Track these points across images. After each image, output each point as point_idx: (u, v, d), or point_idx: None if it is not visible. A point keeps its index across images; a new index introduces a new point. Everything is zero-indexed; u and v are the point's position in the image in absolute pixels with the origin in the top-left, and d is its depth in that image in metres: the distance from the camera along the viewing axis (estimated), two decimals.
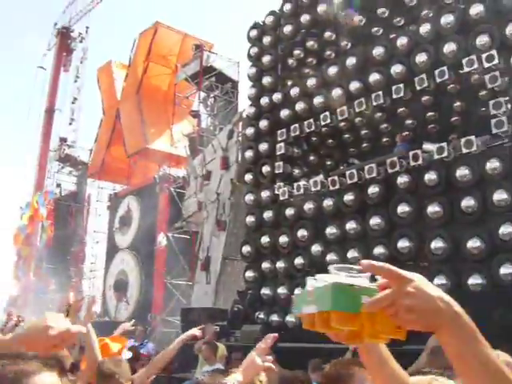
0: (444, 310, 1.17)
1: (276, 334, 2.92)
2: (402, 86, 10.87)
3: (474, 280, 9.22)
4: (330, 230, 11.46)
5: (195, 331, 5.31)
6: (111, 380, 3.93)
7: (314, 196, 12.09)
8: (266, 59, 14.23)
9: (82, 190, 35.77)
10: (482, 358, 1.15)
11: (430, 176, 10.06)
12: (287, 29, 13.84)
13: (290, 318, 11.83)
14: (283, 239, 12.47)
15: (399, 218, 10.47)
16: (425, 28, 10.80)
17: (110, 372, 3.96)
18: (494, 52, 9.59)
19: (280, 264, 12.44)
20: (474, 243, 9.33)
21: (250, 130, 14.29)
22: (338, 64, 12.38)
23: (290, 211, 12.46)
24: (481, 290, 9.02)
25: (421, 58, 10.68)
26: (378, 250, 10.62)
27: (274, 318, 12.17)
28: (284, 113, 13.21)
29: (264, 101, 13.93)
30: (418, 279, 1.20)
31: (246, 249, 13.45)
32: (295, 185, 12.51)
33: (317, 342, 9.38)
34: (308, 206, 12.05)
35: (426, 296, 1.17)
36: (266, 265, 12.82)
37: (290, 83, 13.81)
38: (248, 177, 13.94)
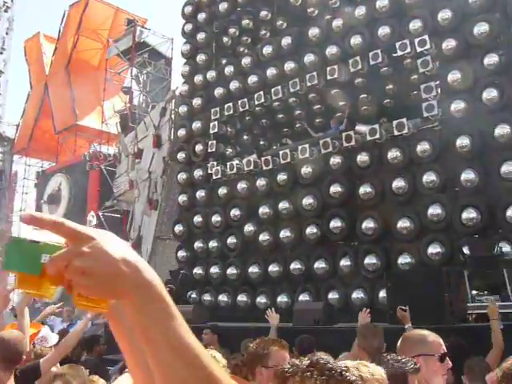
0: (128, 276, 0.93)
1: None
2: (336, 67, 10.94)
3: (404, 259, 9.45)
4: (263, 210, 11.48)
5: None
6: None
7: (247, 175, 12.07)
8: (200, 36, 14.04)
9: (7, 167, 34.52)
10: (173, 339, 0.94)
11: (362, 157, 10.20)
12: (223, 6, 13.70)
13: (222, 298, 11.83)
14: (216, 218, 12.42)
15: (331, 198, 10.57)
16: (360, 11, 10.89)
17: None
18: (426, 37, 9.77)
19: (213, 243, 12.40)
20: (403, 223, 9.54)
21: (182, 108, 14.10)
22: (273, 44, 12.33)
23: (222, 190, 12.40)
24: (410, 268, 9.23)
25: (355, 40, 10.78)
26: (311, 229, 10.71)
27: (207, 297, 12.16)
28: (218, 91, 13.09)
29: (198, 79, 13.77)
30: (100, 236, 0.95)
31: (179, 228, 13.32)
32: (228, 164, 12.44)
33: (249, 321, 9.48)
34: (241, 185, 12.02)
35: (105, 257, 0.93)
36: (198, 244, 12.74)
37: (224, 61, 13.70)
38: (180, 155, 13.78)
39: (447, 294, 7.46)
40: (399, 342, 3.18)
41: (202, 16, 14.13)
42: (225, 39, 14.03)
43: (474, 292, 7.86)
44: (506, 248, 8.36)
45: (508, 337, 5.40)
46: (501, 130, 8.74)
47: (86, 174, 23.65)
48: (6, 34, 36.93)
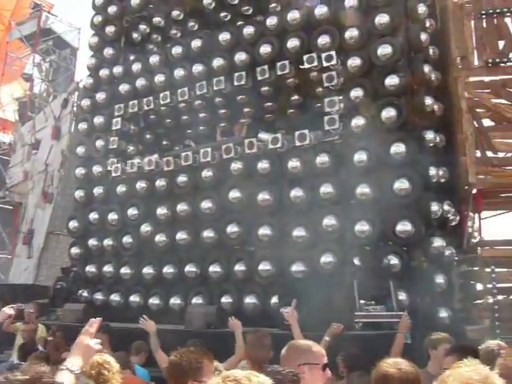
0: None
1: (99, 319, 3.03)
2: (243, 74, 11.05)
3: (297, 267, 9.63)
4: (161, 211, 11.38)
5: (7, 310, 5.05)
6: None
7: (148, 175, 11.92)
8: (109, 30, 13.74)
9: None
10: None
11: (263, 165, 10.33)
12: (135, 1, 13.51)
13: (114, 298, 11.61)
14: (112, 216, 12.17)
15: (230, 203, 10.65)
16: (272, 20, 11.04)
17: None
18: (333, 53, 10.05)
19: (107, 242, 12.13)
20: (298, 232, 9.75)
21: (85, 102, 13.73)
22: (183, 44, 12.28)
23: (121, 188, 12.18)
24: (303, 277, 9.44)
25: (265, 49, 10.92)
26: (208, 233, 10.73)
27: (99, 296, 11.88)
28: (123, 87, 12.86)
29: (104, 72, 13.47)
30: None
31: (73, 224, 12.95)
32: (129, 162, 12.23)
33: (136, 322, 9.33)
34: (140, 184, 11.86)
35: None
36: (92, 242, 12.44)
37: (132, 58, 13.47)
38: (80, 150, 13.42)
39: (337, 303, 7.71)
40: (284, 349, 3.28)
41: (112, 9, 13.82)
42: (134, 35, 13.82)
43: (361, 301, 8.14)
44: (393, 261, 8.76)
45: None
46: (396, 148, 9.13)
47: None
48: None
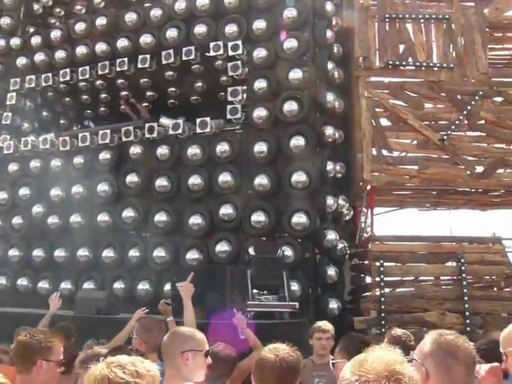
0: None
1: None
2: (148, 56, 10.84)
3: (192, 255, 9.60)
4: (55, 192, 10.99)
5: None
6: None
7: (42, 154, 11.47)
8: None
9: None
10: None
11: (162, 150, 10.22)
12: None
13: (1, 281, 11.10)
14: (2, 195, 11.61)
15: (127, 187, 10.45)
16: (180, 4, 10.85)
17: None
18: (239, 42, 10.04)
19: None
20: (195, 219, 9.73)
21: None
22: (88, 21, 11.84)
23: (13, 167, 11.63)
24: (196, 264, 9.40)
25: (171, 33, 10.74)
26: (103, 216, 10.50)
27: None
28: (21, 61, 12.23)
29: (0, 43, 12.76)
30: None
31: None
32: (23, 140, 11.69)
33: (29, 306, 8.97)
34: (34, 163, 11.39)
35: None
36: None
37: (31, 30, 12.85)
38: None
39: (230, 292, 7.71)
40: (167, 336, 3.23)
41: None
42: (35, 6, 13.13)
43: (254, 291, 8.19)
44: (287, 252, 8.92)
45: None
46: (296, 142, 9.28)
47: None
48: None
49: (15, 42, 12.57)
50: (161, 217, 10.00)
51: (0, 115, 12.12)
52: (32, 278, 10.84)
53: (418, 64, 10.33)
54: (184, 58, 10.55)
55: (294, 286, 8.61)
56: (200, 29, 10.50)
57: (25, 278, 10.89)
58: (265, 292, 8.09)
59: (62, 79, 11.70)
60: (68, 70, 11.60)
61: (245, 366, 4.48)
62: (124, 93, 11.93)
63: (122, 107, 11.91)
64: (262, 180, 9.39)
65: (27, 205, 11.28)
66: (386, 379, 1.39)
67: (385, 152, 10.11)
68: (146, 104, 11.96)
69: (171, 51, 10.61)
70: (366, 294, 9.51)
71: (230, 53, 10.08)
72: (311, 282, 9.20)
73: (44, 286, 10.62)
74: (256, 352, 3.94)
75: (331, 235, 9.33)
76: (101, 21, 11.59)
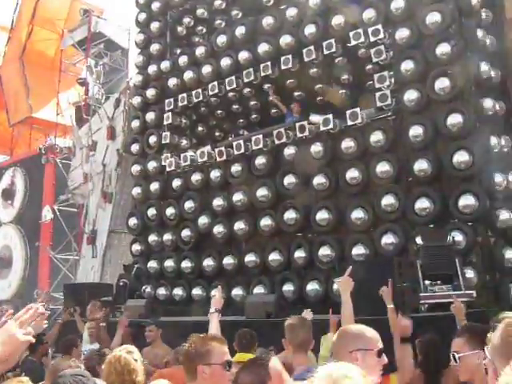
0: None
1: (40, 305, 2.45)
2: (290, 57, 10.81)
3: (358, 250, 9.39)
4: (217, 202, 11.30)
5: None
6: None
7: (202, 167, 11.87)
8: (154, 26, 13.75)
9: None
10: None
11: (316, 148, 10.10)
12: None
13: (177, 292, 11.64)
14: (170, 211, 12.20)
15: (285, 189, 10.47)
16: (314, 0, 10.74)
17: None
18: (379, 26, 9.69)
19: (167, 236, 12.19)
20: (357, 214, 9.50)
21: (136, 99, 13.79)
22: (227, 33, 12.12)
23: (176, 182, 12.21)
24: (364, 259, 9.18)
25: (309, 29, 10.64)
26: (265, 221, 10.60)
27: (161, 291, 11.96)
28: (172, 82, 12.83)
29: (152, 69, 13.48)
30: None
31: (133, 221, 13.07)
32: (182, 156, 12.20)
33: (202, 315, 9.30)
34: (195, 177, 11.82)
35: None
36: (152, 237, 12.52)
37: (178, 51, 13.42)
38: (134, 147, 13.49)
39: (399, 285, 7.40)
40: (335, 336, 3.05)
41: (156, 5, 13.81)
42: (179, 29, 13.80)
43: (426, 282, 7.81)
44: (458, 237, 8.36)
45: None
46: (453, 120, 8.73)
47: (42, 168, 23.11)
48: None
49: (165, 65, 13.20)
50: (322, 215, 9.89)
51: (159, 135, 12.74)
52: (205, 287, 11.23)
53: None
54: (325, 51, 10.39)
55: (469, 274, 8.05)
56: (337, 20, 10.30)
57: (198, 288, 11.31)
58: (438, 282, 7.69)
59: (211, 93, 12.05)
60: (215, 82, 11.91)
61: None
62: (267, 85, 11.95)
63: (270, 98, 11.95)
64: (421, 165, 8.93)
65: (193, 217, 11.73)
66: None
67: None
68: (293, 105, 11.91)
69: (312, 47, 10.51)
70: None
71: (372, 39, 9.75)
72: (487, 267, 8.55)
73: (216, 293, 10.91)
74: None
75: (504, 215, 8.64)
76: (240, 30, 11.79)
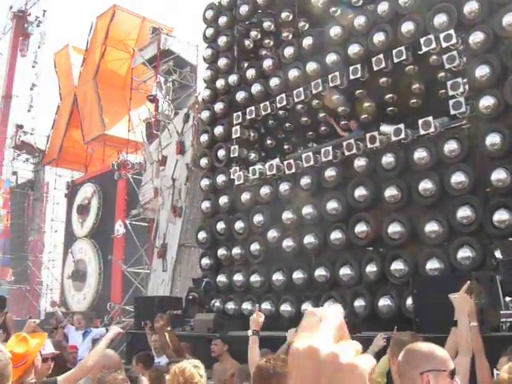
0: None
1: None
2: (359, 66, 10.57)
3: (432, 265, 9.01)
4: (287, 215, 11.14)
5: (117, 329, 5.11)
6: None
7: (270, 180, 11.76)
8: (221, 40, 13.79)
9: (39, 177, 34.89)
10: None
11: (387, 159, 9.80)
12: (243, 9, 13.42)
13: (246, 306, 11.53)
14: (239, 225, 12.13)
15: (356, 201, 10.20)
16: (383, 7, 10.48)
17: None
18: (451, 31, 9.32)
19: (236, 250, 12.11)
20: (431, 227, 9.12)
21: (205, 114, 13.85)
22: (294, 45, 12.00)
23: (245, 196, 12.12)
24: (439, 274, 8.80)
25: (378, 37, 10.38)
26: (335, 234, 10.35)
27: (230, 305, 11.89)
28: (240, 95, 12.80)
29: (220, 83, 13.51)
30: None
31: (202, 235, 13.07)
32: (251, 169, 12.13)
33: (272, 329, 9.16)
34: (264, 190, 11.71)
35: None
36: (222, 251, 12.48)
37: (245, 65, 13.42)
38: (203, 161, 13.53)
39: (477, 301, 7.03)
40: (401, 355, 2.82)
41: (222, 20, 13.88)
42: (246, 42, 13.79)
43: (507, 299, 7.41)
44: None
45: None
46: None
47: (114, 183, 23.70)
48: (38, 47, 37.54)
49: (233, 78, 13.21)
50: (395, 228, 9.56)
51: (228, 149, 12.73)
52: (274, 302, 11.07)
53: None
54: (395, 59, 10.10)
55: None
56: (407, 26, 9.98)
57: (268, 302, 11.15)
58: None
59: (279, 105, 11.92)
60: (283, 95, 11.79)
61: None
62: (322, 114, 11.77)
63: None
64: (499, 174, 8.49)
65: (262, 231, 11.61)
66: None
67: None
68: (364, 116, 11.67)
69: (381, 56, 10.22)
70: None
71: (444, 44, 9.37)
72: None
73: (286, 308, 10.76)
74: None
75: None
76: (307, 41, 11.66)
